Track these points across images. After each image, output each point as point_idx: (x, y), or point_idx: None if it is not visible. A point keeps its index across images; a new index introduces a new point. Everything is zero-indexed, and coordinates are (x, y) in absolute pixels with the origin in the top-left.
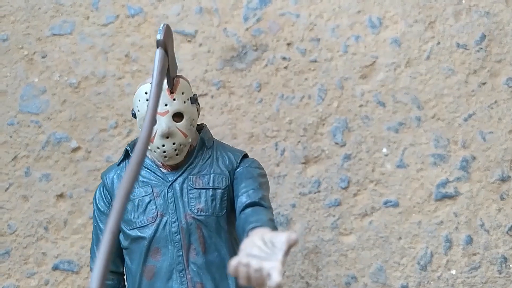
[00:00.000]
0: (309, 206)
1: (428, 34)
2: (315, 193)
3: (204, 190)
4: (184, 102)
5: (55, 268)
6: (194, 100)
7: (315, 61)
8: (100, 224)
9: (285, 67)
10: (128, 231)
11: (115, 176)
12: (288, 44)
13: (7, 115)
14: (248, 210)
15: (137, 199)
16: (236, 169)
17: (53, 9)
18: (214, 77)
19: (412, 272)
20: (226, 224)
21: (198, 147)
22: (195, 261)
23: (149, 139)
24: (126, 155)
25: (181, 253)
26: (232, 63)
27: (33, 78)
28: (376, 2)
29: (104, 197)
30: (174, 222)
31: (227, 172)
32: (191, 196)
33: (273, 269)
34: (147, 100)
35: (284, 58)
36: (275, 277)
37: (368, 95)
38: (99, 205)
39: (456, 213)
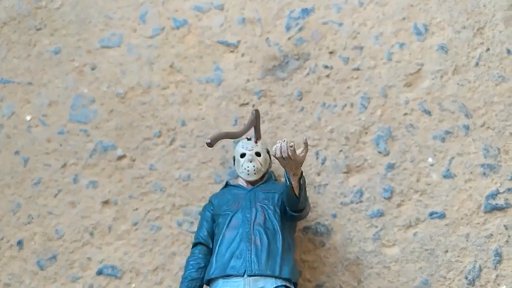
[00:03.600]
0: (350, 216)
1: (477, 40)
2: (357, 203)
3: (268, 193)
4: (262, 149)
5: (99, 273)
6: (268, 151)
7: (358, 69)
8: (205, 216)
9: (327, 76)
10: (221, 212)
11: (217, 195)
12: (331, 52)
13: (58, 124)
14: None
15: (230, 196)
16: None
17: (102, 23)
18: (255, 86)
19: (459, 287)
20: (279, 211)
21: (267, 178)
22: (259, 224)
23: (238, 136)
24: (226, 185)
25: (249, 221)
26: (274, 72)
27: (82, 89)
28: (422, 9)
29: (209, 207)
30: (247, 207)
31: (282, 190)
32: (259, 195)
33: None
34: (242, 147)
35: (326, 67)
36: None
37: (413, 103)
38: (206, 209)
39: (507, 226)
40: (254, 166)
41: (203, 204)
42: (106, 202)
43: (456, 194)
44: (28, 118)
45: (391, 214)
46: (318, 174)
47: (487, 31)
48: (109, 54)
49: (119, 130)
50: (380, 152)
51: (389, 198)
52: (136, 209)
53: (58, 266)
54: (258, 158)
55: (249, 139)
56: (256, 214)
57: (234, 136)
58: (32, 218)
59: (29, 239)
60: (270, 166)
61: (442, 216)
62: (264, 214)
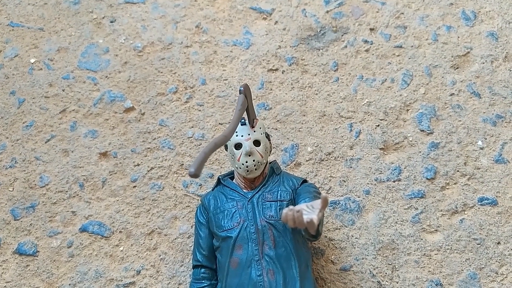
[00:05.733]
0: (386, 194)
1: None
2: (394, 181)
3: (273, 202)
4: (261, 134)
5: (83, 230)
6: (267, 135)
7: (401, 46)
8: (200, 232)
9: (366, 50)
10: (220, 233)
11: (211, 197)
12: (371, 29)
13: (64, 69)
14: None
15: (226, 210)
16: (297, 188)
17: None
18: (287, 53)
19: None
20: (291, 229)
21: (269, 173)
22: (268, 253)
23: (229, 137)
24: (218, 182)
25: (257, 247)
26: (308, 42)
27: (97, 39)
28: None
29: (203, 213)
30: (252, 225)
31: (290, 190)
32: (264, 207)
33: (313, 215)
34: (236, 135)
35: (366, 41)
36: (314, 219)
37: (460, 84)
38: (199, 219)
39: None
40: (253, 161)
41: (215, 167)
42: (103, 154)
43: (510, 181)
44: (32, 60)
45: (433, 197)
46: (351, 148)
47: None
48: (131, 10)
49: (131, 82)
50: (422, 130)
51: (431, 179)
52: (138, 164)
53: (36, 217)
54: (257, 148)
55: (243, 123)
56: (263, 238)
57: (223, 140)
58: (16, 162)
59: (8, 184)
60: (270, 153)
61: (494, 203)
62: (273, 236)
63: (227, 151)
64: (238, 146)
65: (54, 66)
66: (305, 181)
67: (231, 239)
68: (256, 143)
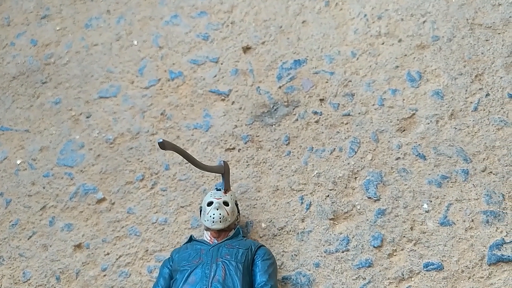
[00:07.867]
0: (335, 266)
1: (475, 86)
2: (343, 251)
3: (232, 248)
4: (231, 199)
5: None
6: (235, 203)
7: (349, 114)
8: (162, 271)
9: (316, 121)
10: (180, 266)
11: (178, 252)
12: (321, 100)
13: (45, 167)
14: None
15: (190, 251)
16: (255, 251)
17: (103, 76)
18: (243, 131)
19: None
20: (241, 268)
21: (235, 234)
22: (216, 285)
23: (197, 165)
24: (190, 239)
25: (207, 279)
26: (262, 119)
27: (75, 135)
28: (416, 58)
29: (169, 263)
30: (209, 263)
31: (248, 247)
32: (223, 252)
33: None
34: (210, 196)
35: (315, 113)
36: None
37: (406, 148)
38: (165, 265)
39: None
40: (220, 214)
41: None
42: (78, 246)
43: (456, 244)
44: (18, 162)
45: (381, 265)
46: (302, 220)
47: (486, 77)
48: (105, 104)
49: (103, 174)
50: (369, 198)
51: (378, 247)
52: (108, 254)
53: None
54: (225, 207)
55: (218, 189)
56: (216, 271)
57: (194, 161)
58: (3, 260)
59: None
60: (238, 220)
61: (439, 268)
62: (225, 270)
63: (201, 216)
64: (210, 203)
65: (37, 165)
66: (261, 246)
67: (187, 270)
68: (225, 203)
